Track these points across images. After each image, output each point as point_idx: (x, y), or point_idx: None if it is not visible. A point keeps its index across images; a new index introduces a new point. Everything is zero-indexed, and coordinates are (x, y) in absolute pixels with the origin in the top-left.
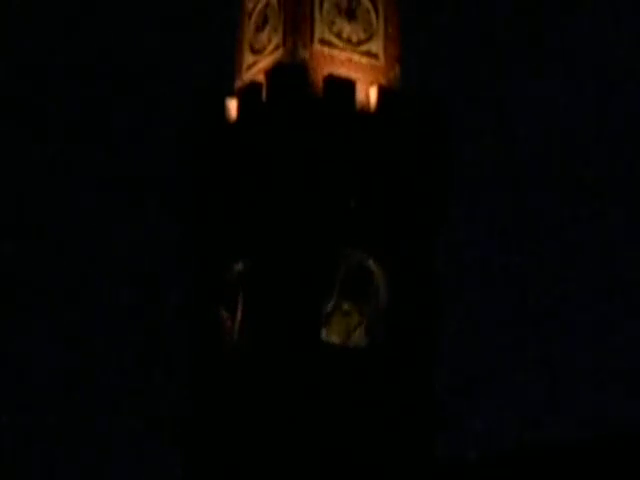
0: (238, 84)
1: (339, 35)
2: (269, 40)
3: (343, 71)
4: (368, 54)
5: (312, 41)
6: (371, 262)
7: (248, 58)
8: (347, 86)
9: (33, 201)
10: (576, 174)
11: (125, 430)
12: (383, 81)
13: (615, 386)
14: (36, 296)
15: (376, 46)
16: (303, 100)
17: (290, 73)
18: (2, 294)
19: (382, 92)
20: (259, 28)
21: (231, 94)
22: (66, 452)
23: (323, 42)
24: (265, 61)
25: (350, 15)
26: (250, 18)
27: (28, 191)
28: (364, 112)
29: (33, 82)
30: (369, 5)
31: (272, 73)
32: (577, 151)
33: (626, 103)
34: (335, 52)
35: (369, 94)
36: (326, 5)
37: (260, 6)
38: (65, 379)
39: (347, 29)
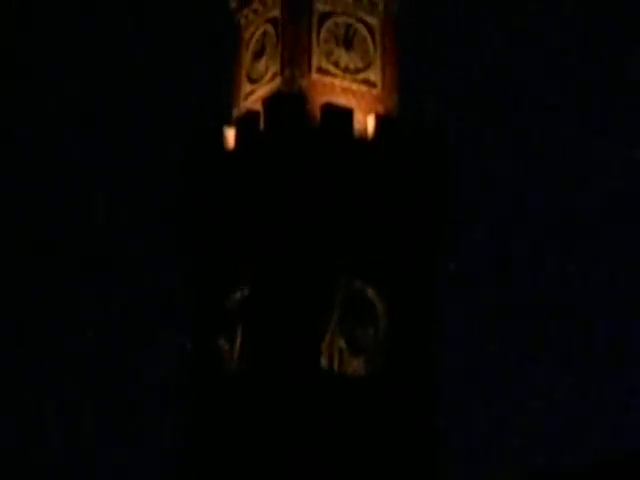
0: (236, 113)
1: (337, 64)
2: (267, 69)
3: (341, 100)
4: (366, 82)
5: (310, 70)
6: (370, 290)
7: (246, 87)
8: (345, 114)
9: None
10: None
11: (126, 460)
12: (381, 109)
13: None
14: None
15: (374, 74)
16: (301, 129)
17: (288, 102)
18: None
19: (380, 120)
20: (257, 57)
21: (229, 123)
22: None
23: (321, 71)
24: (263, 90)
25: (348, 44)
26: (248, 47)
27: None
28: (362, 140)
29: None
30: (366, 34)
31: (270, 102)
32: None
33: None
34: (333, 81)
35: (367, 122)
36: (323, 34)
37: (258, 35)
38: (68, 410)
39: (345, 58)
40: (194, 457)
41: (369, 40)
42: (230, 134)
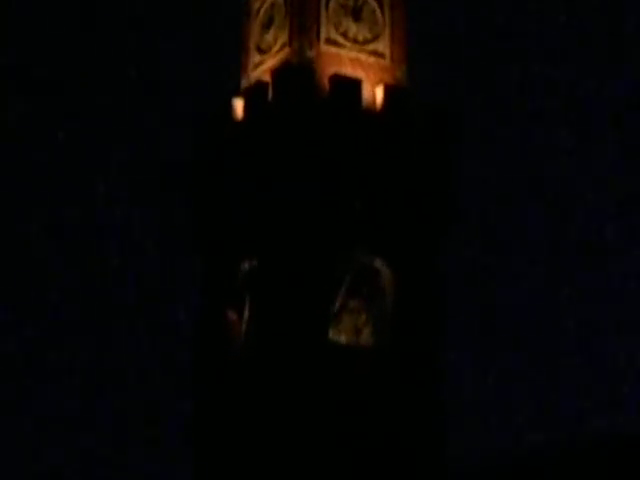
0: (244, 84)
1: (345, 35)
2: (275, 40)
3: (349, 70)
4: (374, 53)
5: (318, 41)
6: (378, 261)
7: (254, 58)
8: (353, 85)
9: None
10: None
11: (133, 431)
12: (389, 80)
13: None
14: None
15: (382, 45)
16: (309, 99)
17: (296, 73)
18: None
19: (388, 91)
20: (265, 28)
21: (237, 94)
22: (76, 451)
23: (329, 42)
24: (271, 61)
25: (356, 15)
26: (256, 18)
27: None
28: (370, 111)
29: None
30: (375, 5)
31: (278, 73)
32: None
33: None
34: (341, 52)
35: (375, 93)
36: (332, 5)
37: (266, 6)
38: (72, 379)
39: (353, 29)
40: (202, 428)
41: (378, 11)
42: (239, 105)
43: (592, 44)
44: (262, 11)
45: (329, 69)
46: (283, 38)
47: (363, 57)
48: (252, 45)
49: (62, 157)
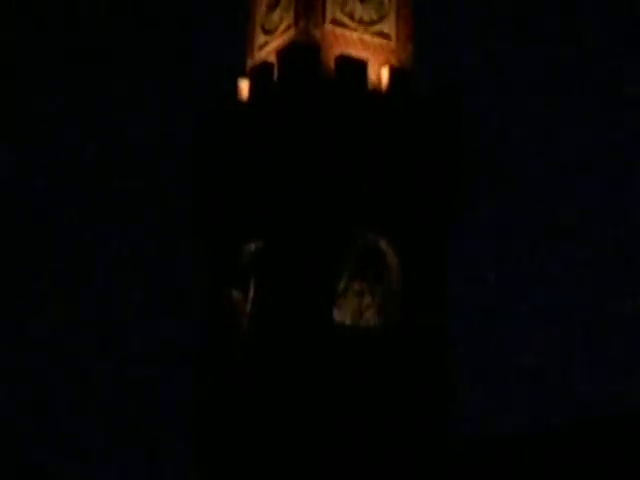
0: (250, 64)
1: (351, 15)
2: (281, 20)
3: (355, 51)
4: (380, 34)
5: (324, 21)
6: (383, 243)
7: (260, 38)
8: (359, 66)
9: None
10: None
11: (137, 413)
12: (395, 61)
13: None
14: (50, 278)
15: (388, 26)
16: (315, 80)
17: (302, 53)
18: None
19: (394, 72)
20: (271, 8)
21: (243, 74)
22: (77, 440)
23: (335, 22)
24: (277, 41)
25: None
26: None
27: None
28: (376, 92)
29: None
30: None
31: (284, 53)
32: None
33: None
34: (347, 32)
35: (381, 74)
36: None
37: None
38: (74, 364)
39: (359, 9)
40: (206, 408)
41: None
42: (244, 85)
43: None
44: None
45: (335, 50)
46: (289, 19)
47: (369, 38)
48: (257, 25)
49: (60, 133)
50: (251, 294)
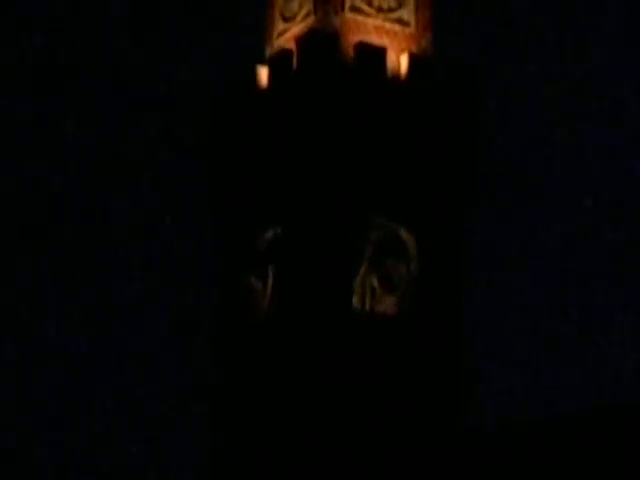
0: (269, 52)
1: (370, 3)
2: (300, 8)
3: (374, 39)
4: (399, 21)
5: (343, 9)
6: (402, 231)
7: (279, 26)
8: (378, 54)
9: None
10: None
11: (157, 396)
12: (414, 49)
13: None
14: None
15: (407, 13)
16: (334, 68)
17: (321, 41)
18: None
19: (413, 59)
20: None
21: (262, 62)
22: (100, 416)
23: (354, 9)
24: (296, 29)
25: None
26: None
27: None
28: (395, 80)
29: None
30: None
31: (303, 41)
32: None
33: None
34: (366, 20)
35: (400, 62)
36: None
37: None
38: (99, 348)
39: None
40: (225, 395)
41: None
42: (263, 73)
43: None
44: None
45: (354, 37)
46: (308, 6)
47: (388, 25)
48: (277, 13)
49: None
50: (270, 281)
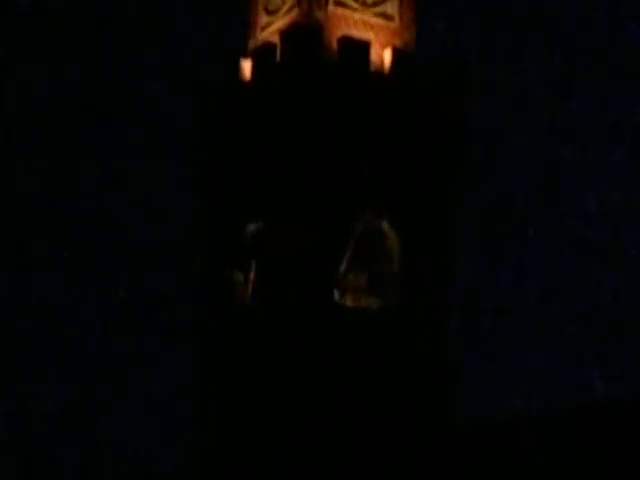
0: (252, 45)
1: None
2: (284, 1)
3: (358, 32)
4: (383, 15)
5: (327, 2)
6: (384, 224)
7: (262, 19)
8: (362, 47)
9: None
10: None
11: (140, 394)
12: (398, 43)
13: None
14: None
15: (391, 8)
16: (317, 61)
17: (305, 34)
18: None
19: (397, 54)
20: None
21: (245, 55)
22: (89, 409)
23: (338, 3)
24: (280, 22)
25: None
26: None
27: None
28: (378, 74)
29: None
30: None
31: (287, 34)
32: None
33: None
34: (350, 13)
35: (383, 56)
36: None
37: None
38: (80, 345)
39: None
40: (207, 388)
41: None
42: (246, 66)
43: None
44: None
45: (338, 31)
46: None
47: (372, 19)
48: (260, 6)
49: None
50: (252, 275)
